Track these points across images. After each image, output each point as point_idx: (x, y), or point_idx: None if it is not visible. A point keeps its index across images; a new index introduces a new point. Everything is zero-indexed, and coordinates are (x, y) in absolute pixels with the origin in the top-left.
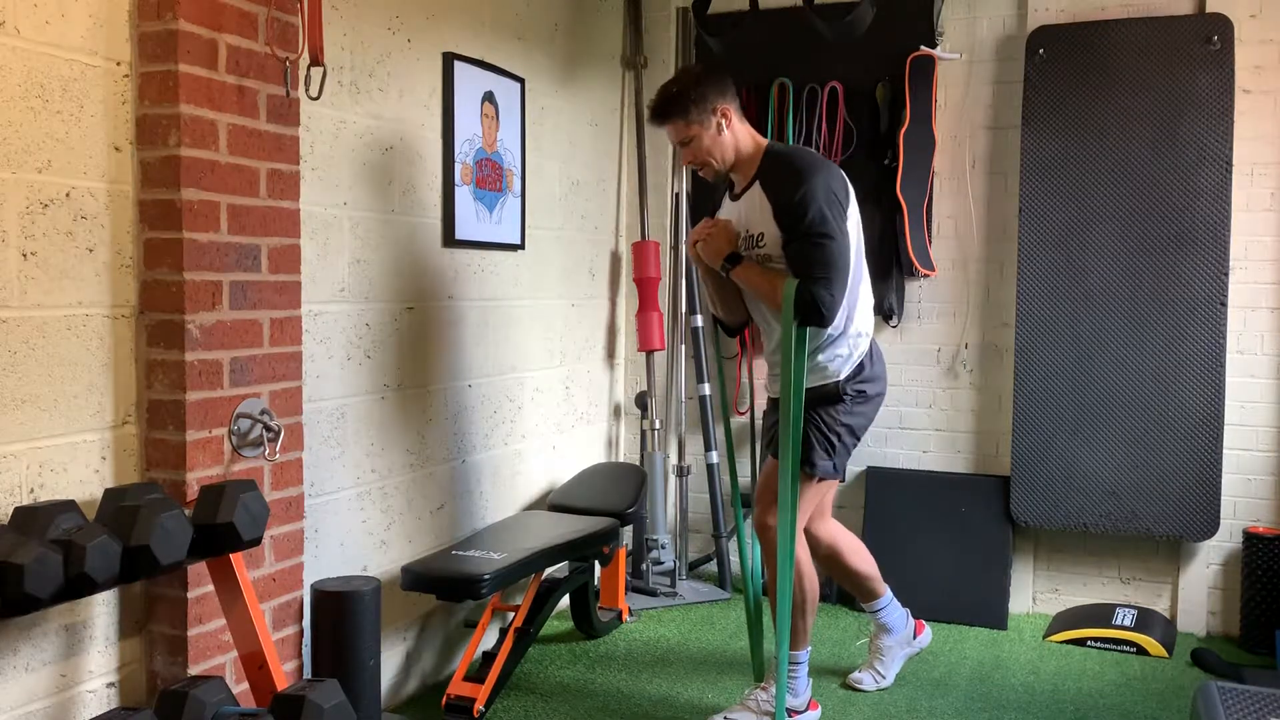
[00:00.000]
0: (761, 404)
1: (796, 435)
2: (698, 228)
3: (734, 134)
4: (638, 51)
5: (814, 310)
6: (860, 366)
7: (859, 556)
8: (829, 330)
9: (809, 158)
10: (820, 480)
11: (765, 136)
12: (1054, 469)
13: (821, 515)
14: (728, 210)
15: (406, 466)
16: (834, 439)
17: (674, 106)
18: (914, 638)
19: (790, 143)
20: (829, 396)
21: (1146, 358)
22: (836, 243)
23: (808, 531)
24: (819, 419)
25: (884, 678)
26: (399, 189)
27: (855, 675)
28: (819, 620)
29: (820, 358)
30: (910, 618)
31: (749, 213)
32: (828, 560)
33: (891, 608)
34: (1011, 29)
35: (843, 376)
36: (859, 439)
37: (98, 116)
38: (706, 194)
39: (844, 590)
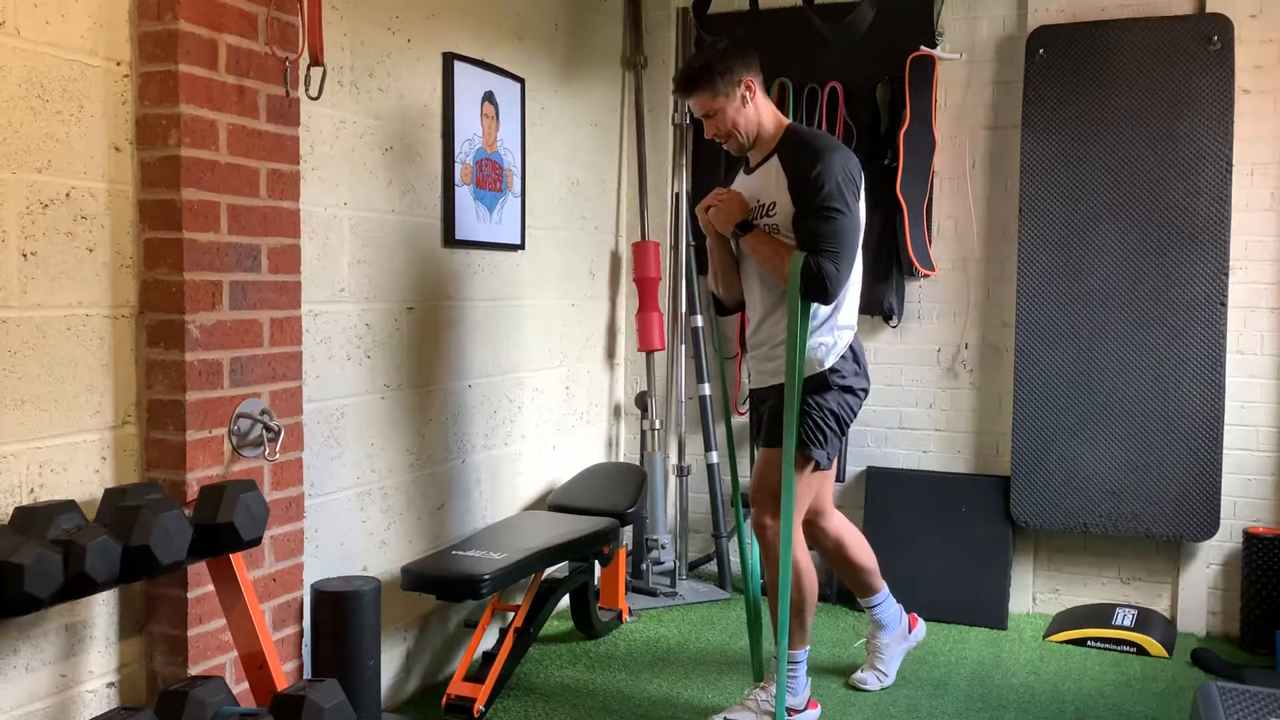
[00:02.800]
0: None
1: (794, 410)
2: (710, 195)
3: (757, 108)
4: (638, 51)
5: (819, 283)
6: (844, 359)
7: (863, 551)
8: (819, 312)
9: (829, 138)
10: (814, 470)
11: None
12: (1054, 469)
13: (827, 511)
14: (741, 184)
15: (406, 466)
16: (823, 425)
17: (700, 78)
18: (909, 632)
19: None
20: (816, 384)
21: (1146, 358)
22: (848, 218)
23: (815, 525)
24: (807, 405)
25: (887, 676)
26: (399, 189)
27: (858, 675)
28: (819, 620)
29: (807, 343)
30: (904, 613)
31: (763, 184)
32: (834, 553)
33: (887, 603)
34: (1011, 29)
35: (827, 365)
36: (845, 430)
37: (98, 116)
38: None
39: (844, 589)
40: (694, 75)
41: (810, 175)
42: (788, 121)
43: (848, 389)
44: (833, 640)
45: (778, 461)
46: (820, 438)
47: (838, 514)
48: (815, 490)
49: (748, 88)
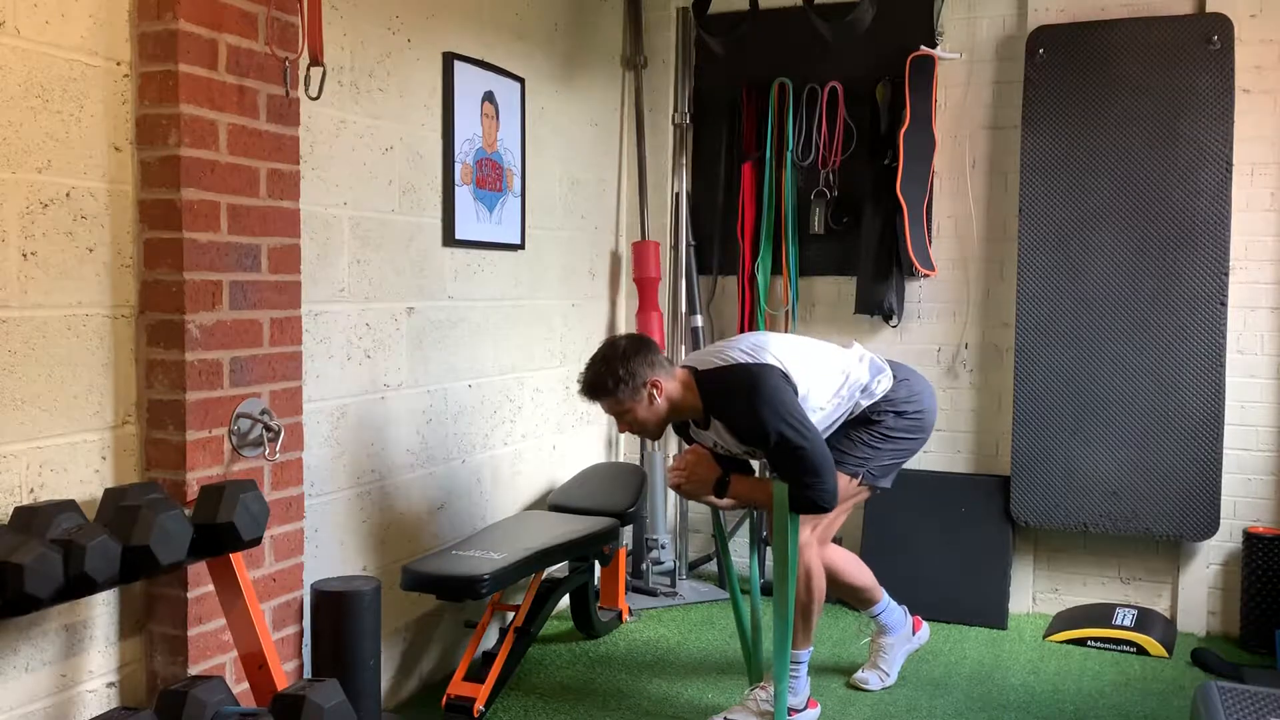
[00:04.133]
0: None
1: (789, 622)
2: (674, 470)
3: (666, 396)
4: (638, 51)
5: (815, 508)
6: (889, 393)
7: (857, 572)
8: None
9: (741, 381)
10: (850, 479)
11: (764, 142)
12: (1054, 469)
13: (823, 542)
14: (700, 435)
15: (406, 466)
16: (866, 444)
17: (602, 389)
18: (913, 634)
19: (790, 144)
20: (859, 420)
21: (1146, 358)
22: (809, 446)
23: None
24: (851, 431)
25: (889, 676)
26: (399, 189)
27: (860, 675)
28: (819, 620)
29: (845, 411)
30: (908, 614)
31: (724, 436)
32: (830, 581)
33: (890, 609)
34: (1011, 29)
35: (866, 405)
36: (899, 453)
37: (98, 116)
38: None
39: None
40: (597, 386)
41: (756, 432)
42: (691, 377)
43: (894, 414)
44: (833, 640)
45: None
46: (861, 456)
47: (830, 545)
48: (854, 497)
49: (654, 387)
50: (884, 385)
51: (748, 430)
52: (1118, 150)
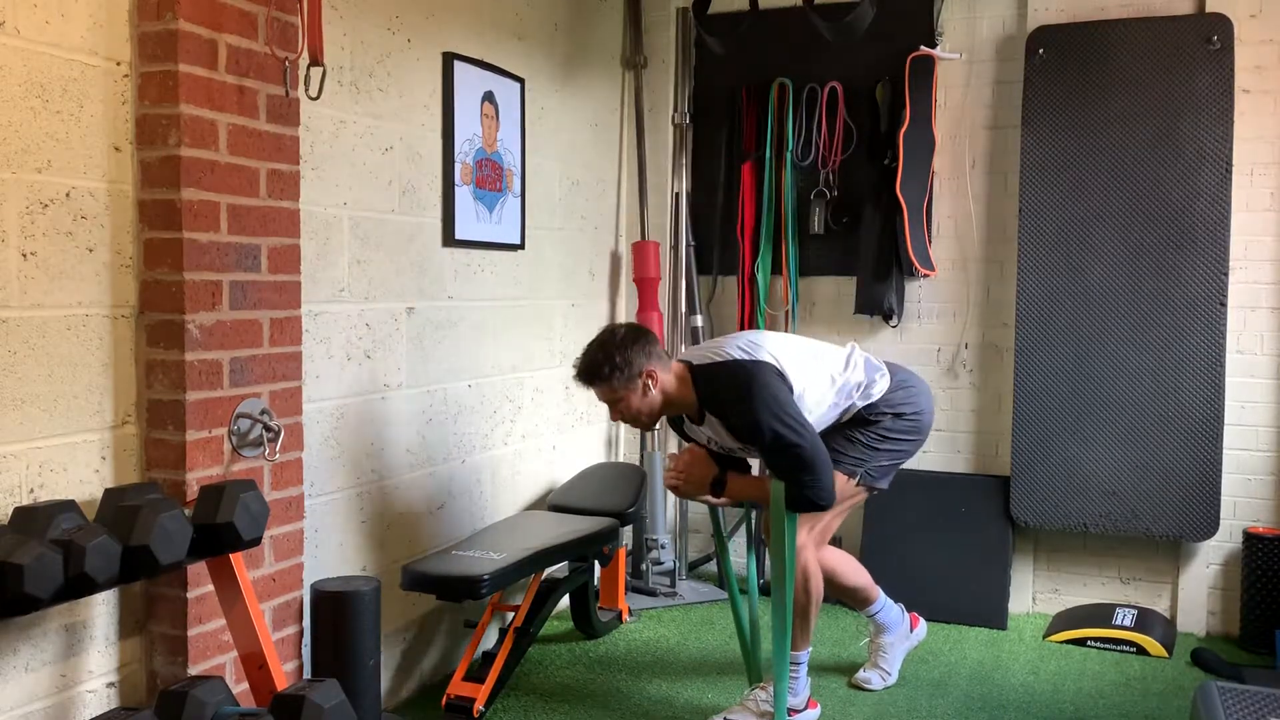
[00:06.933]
0: None
1: (788, 622)
2: (670, 471)
3: (661, 388)
4: (638, 51)
5: (810, 505)
6: (887, 394)
7: (853, 573)
8: (831, 406)
9: (736, 375)
10: (847, 479)
11: (764, 142)
12: (1054, 469)
13: (819, 544)
14: (695, 431)
15: (406, 466)
16: (864, 445)
17: (599, 375)
18: (910, 631)
19: (790, 144)
20: (856, 420)
21: (1146, 358)
22: (805, 444)
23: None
24: (848, 431)
25: (890, 675)
26: (399, 189)
27: (861, 675)
28: (819, 620)
29: (841, 410)
30: (905, 612)
31: (719, 432)
32: (828, 583)
33: (887, 607)
34: (1011, 29)
35: (862, 405)
36: (896, 455)
37: (98, 116)
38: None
39: None
40: (592, 372)
41: (751, 429)
42: (686, 372)
43: (890, 414)
44: (833, 640)
45: None
46: (858, 456)
47: (827, 546)
48: (852, 498)
49: (649, 377)
50: (881, 386)
51: (742, 427)
52: (1118, 150)
